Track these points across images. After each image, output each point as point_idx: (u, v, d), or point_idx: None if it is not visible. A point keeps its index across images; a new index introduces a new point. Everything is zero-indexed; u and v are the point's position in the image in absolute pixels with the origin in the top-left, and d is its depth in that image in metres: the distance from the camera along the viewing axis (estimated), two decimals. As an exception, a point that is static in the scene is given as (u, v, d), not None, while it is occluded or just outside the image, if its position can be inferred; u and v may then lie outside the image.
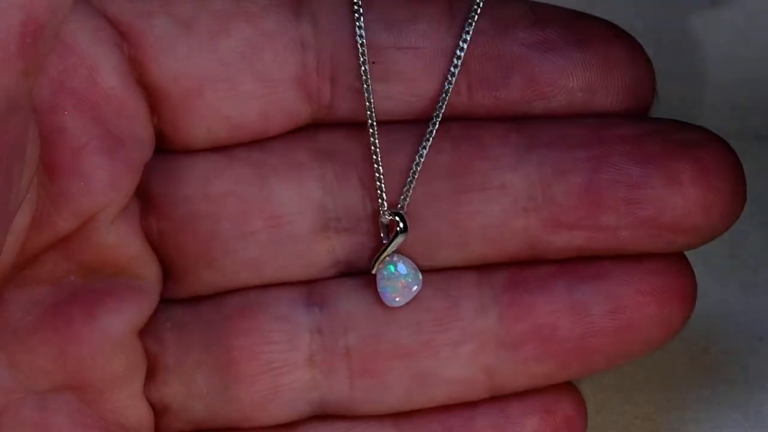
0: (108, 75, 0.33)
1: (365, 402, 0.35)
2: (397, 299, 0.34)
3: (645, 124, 0.34)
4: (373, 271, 0.34)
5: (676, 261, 0.34)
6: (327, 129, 0.35)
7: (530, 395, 0.35)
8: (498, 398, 0.35)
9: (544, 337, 0.34)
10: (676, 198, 0.33)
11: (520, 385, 0.35)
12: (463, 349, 0.34)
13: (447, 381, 0.35)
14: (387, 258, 0.34)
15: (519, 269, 0.34)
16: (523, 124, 0.34)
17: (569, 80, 0.34)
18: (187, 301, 0.35)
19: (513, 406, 0.35)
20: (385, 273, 0.34)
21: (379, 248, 0.34)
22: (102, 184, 0.33)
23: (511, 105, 0.34)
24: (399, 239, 0.34)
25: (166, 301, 0.35)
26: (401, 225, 0.34)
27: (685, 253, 0.35)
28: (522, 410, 0.35)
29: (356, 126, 0.34)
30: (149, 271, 0.34)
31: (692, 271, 0.35)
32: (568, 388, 0.36)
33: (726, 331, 0.43)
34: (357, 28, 0.33)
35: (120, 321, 0.34)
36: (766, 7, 0.49)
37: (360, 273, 0.35)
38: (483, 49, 0.34)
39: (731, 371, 0.41)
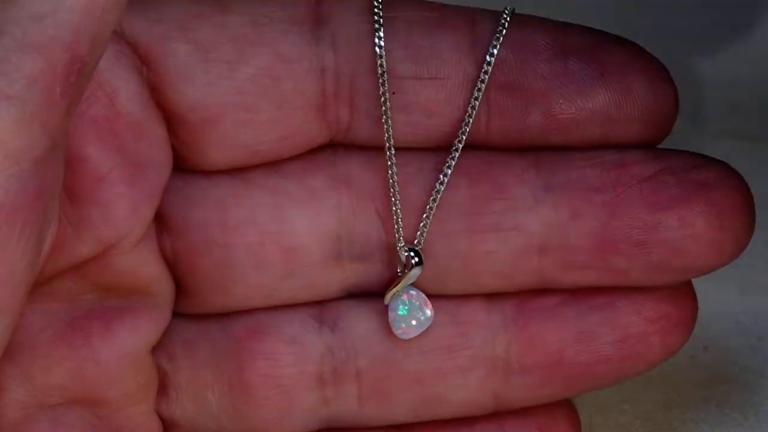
0: (128, 101, 0.32)
1: (372, 419, 0.35)
2: (407, 333, 0.34)
3: (661, 160, 0.33)
4: (386, 302, 0.34)
5: (682, 287, 0.35)
6: (345, 153, 0.34)
7: (527, 413, 0.35)
8: (496, 415, 0.35)
9: (552, 364, 0.34)
10: (689, 242, 0.33)
11: (524, 404, 0.35)
12: (472, 375, 0.35)
13: (455, 404, 0.35)
14: (400, 291, 0.34)
15: (528, 297, 0.34)
16: (540, 160, 0.34)
17: (589, 115, 0.33)
18: (198, 317, 0.35)
19: (510, 424, 0.35)
20: (397, 306, 0.34)
21: (391, 277, 0.34)
22: (123, 213, 0.32)
23: (529, 137, 0.33)
24: (413, 274, 0.34)
25: (176, 314, 0.35)
26: (416, 260, 0.34)
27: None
28: (519, 429, 0.35)
29: (374, 151, 0.34)
30: (164, 289, 0.34)
31: (695, 295, 0.35)
32: (563, 403, 0.36)
33: (726, 331, 0.43)
34: (378, 57, 0.33)
35: (136, 339, 0.34)
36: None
37: (371, 296, 0.35)
38: (503, 80, 0.33)
39: (731, 371, 0.41)
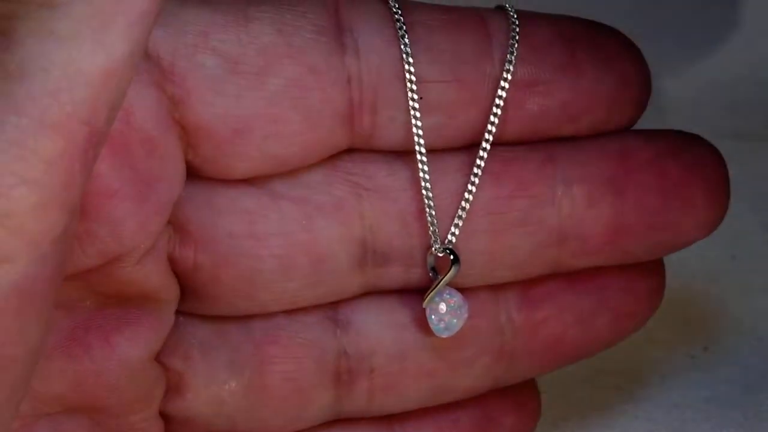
0: (143, 117, 0.32)
1: (379, 411, 0.36)
2: (449, 329, 0.34)
3: (658, 142, 0.35)
4: (425, 305, 0.34)
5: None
6: (365, 159, 0.34)
7: (505, 392, 0.36)
8: (480, 397, 0.36)
9: (552, 347, 0.35)
10: (689, 220, 0.35)
11: (517, 382, 0.36)
12: (479, 363, 0.35)
13: (461, 391, 0.36)
14: (440, 291, 0.34)
15: (531, 285, 0.35)
16: (553, 153, 0.34)
17: (597, 102, 0.34)
18: (216, 318, 0.35)
19: (492, 405, 0.36)
20: (437, 307, 0.34)
21: (409, 277, 0.35)
22: (131, 230, 0.32)
23: (543, 129, 0.34)
24: (452, 273, 0.34)
25: (193, 316, 0.35)
26: (453, 257, 0.34)
27: (684, 252, 0.36)
28: (500, 408, 0.37)
29: (394, 155, 0.34)
30: (167, 295, 0.34)
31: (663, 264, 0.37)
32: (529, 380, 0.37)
33: (726, 331, 0.43)
34: (406, 64, 0.33)
35: (137, 349, 0.33)
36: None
37: (386, 294, 0.35)
38: (521, 76, 0.34)
39: (731, 371, 0.41)
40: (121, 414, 0.34)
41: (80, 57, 0.26)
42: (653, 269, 0.36)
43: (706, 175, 0.35)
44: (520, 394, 0.37)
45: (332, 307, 0.35)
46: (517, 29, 0.34)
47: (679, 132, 0.35)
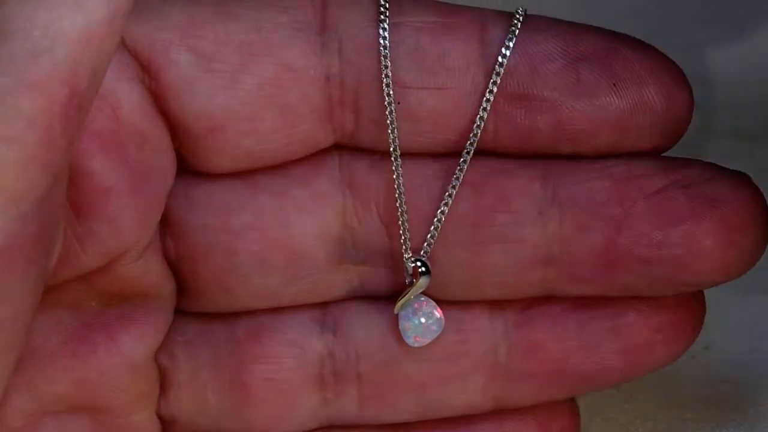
0: (131, 111, 0.32)
1: (374, 419, 0.35)
2: (418, 341, 0.34)
3: (672, 172, 0.33)
4: (396, 312, 0.34)
5: (689, 294, 0.34)
6: (350, 156, 0.34)
7: (527, 411, 0.35)
8: (496, 413, 0.35)
9: (554, 371, 0.34)
10: (695, 259, 0.32)
11: (523, 405, 0.35)
12: (472, 381, 0.35)
13: (455, 408, 0.35)
14: (410, 300, 0.34)
15: (530, 304, 0.34)
16: (549, 171, 0.33)
17: (600, 125, 0.32)
18: (200, 316, 0.35)
19: (509, 422, 0.35)
20: (408, 316, 0.34)
21: (395, 282, 0.34)
22: (130, 224, 0.32)
23: (538, 145, 0.33)
24: (422, 284, 0.34)
25: (178, 312, 0.35)
26: (423, 269, 0.34)
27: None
28: (519, 426, 0.35)
29: (379, 155, 0.34)
30: (166, 291, 0.34)
31: (702, 298, 0.34)
32: (563, 401, 0.36)
33: (726, 331, 0.43)
34: (383, 67, 0.32)
35: (140, 346, 0.34)
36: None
37: (374, 299, 0.35)
38: (513, 89, 0.32)
39: (731, 371, 0.41)
40: (124, 413, 0.34)
41: (60, 18, 0.26)
42: (682, 305, 0.34)
43: (722, 214, 0.32)
44: (547, 414, 0.35)
45: (321, 309, 0.35)
46: (514, 38, 0.32)
47: (710, 164, 0.33)
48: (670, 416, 0.40)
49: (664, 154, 0.34)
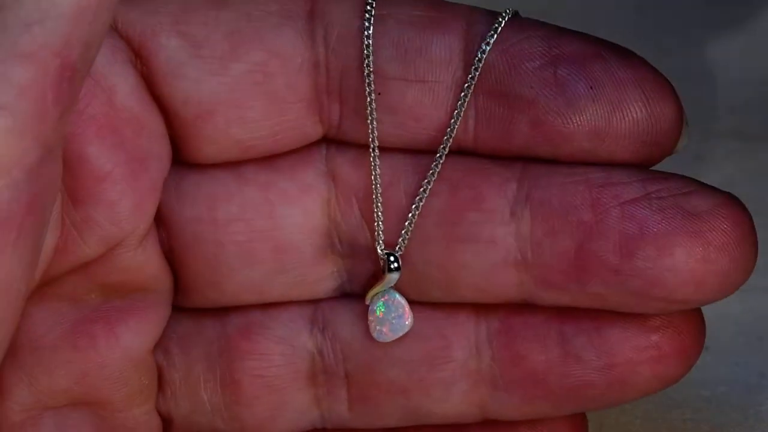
0: (126, 96, 0.32)
1: (363, 423, 0.35)
2: (385, 334, 0.34)
3: (651, 183, 0.32)
4: (367, 303, 0.34)
5: (682, 316, 0.33)
6: (335, 150, 0.34)
7: (523, 421, 0.35)
8: (490, 422, 0.35)
9: (537, 383, 0.34)
10: (668, 275, 0.31)
11: (513, 419, 0.35)
12: (456, 388, 0.34)
13: (440, 416, 0.35)
14: (380, 293, 0.34)
15: (513, 312, 0.34)
16: (526, 172, 0.33)
17: (576, 129, 0.32)
18: (193, 312, 0.35)
19: None
20: (376, 309, 0.34)
21: (376, 277, 0.34)
22: (128, 211, 0.32)
23: (516, 146, 0.33)
24: (391, 278, 0.34)
25: (173, 308, 0.35)
26: (394, 265, 0.33)
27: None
28: None
29: (363, 150, 0.34)
30: (165, 284, 0.34)
31: (700, 325, 0.34)
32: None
33: (726, 331, 0.43)
34: (365, 57, 0.33)
35: (140, 340, 0.34)
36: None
37: (360, 297, 0.35)
38: (491, 86, 0.32)
39: (731, 371, 0.41)
40: (125, 407, 0.34)
41: None
42: (671, 326, 0.33)
43: (698, 229, 0.31)
44: (547, 425, 0.35)
45: (311, 306, 0.35)
46: (494, 36, 0.32)
47: (693, 180, 0.32)
48: (670, 416, 0.40)
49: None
